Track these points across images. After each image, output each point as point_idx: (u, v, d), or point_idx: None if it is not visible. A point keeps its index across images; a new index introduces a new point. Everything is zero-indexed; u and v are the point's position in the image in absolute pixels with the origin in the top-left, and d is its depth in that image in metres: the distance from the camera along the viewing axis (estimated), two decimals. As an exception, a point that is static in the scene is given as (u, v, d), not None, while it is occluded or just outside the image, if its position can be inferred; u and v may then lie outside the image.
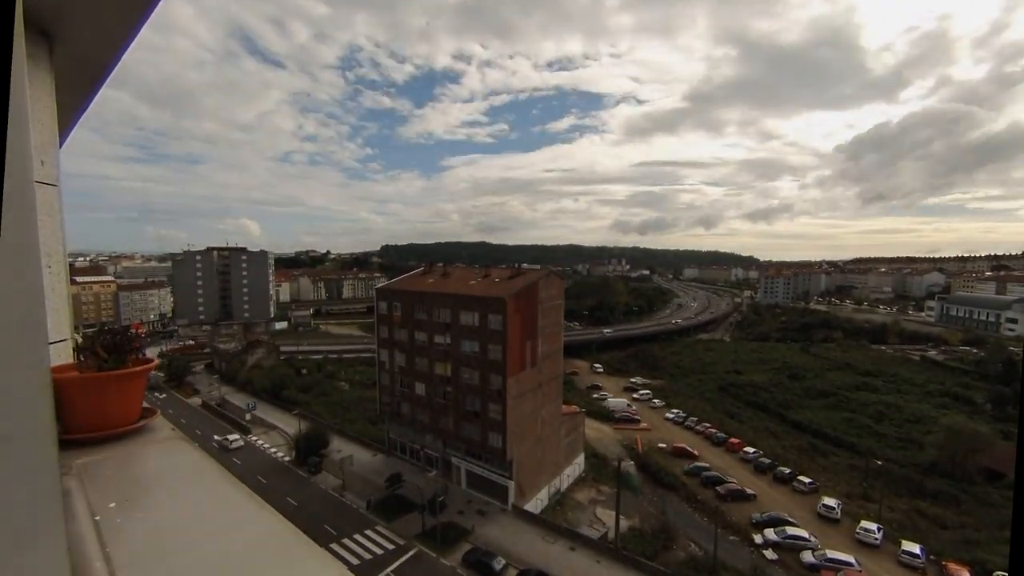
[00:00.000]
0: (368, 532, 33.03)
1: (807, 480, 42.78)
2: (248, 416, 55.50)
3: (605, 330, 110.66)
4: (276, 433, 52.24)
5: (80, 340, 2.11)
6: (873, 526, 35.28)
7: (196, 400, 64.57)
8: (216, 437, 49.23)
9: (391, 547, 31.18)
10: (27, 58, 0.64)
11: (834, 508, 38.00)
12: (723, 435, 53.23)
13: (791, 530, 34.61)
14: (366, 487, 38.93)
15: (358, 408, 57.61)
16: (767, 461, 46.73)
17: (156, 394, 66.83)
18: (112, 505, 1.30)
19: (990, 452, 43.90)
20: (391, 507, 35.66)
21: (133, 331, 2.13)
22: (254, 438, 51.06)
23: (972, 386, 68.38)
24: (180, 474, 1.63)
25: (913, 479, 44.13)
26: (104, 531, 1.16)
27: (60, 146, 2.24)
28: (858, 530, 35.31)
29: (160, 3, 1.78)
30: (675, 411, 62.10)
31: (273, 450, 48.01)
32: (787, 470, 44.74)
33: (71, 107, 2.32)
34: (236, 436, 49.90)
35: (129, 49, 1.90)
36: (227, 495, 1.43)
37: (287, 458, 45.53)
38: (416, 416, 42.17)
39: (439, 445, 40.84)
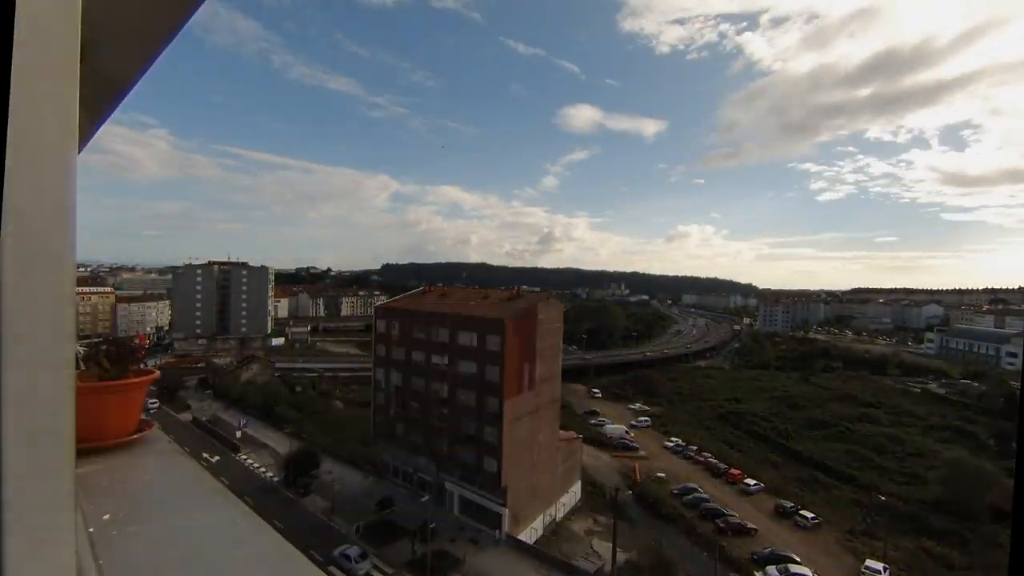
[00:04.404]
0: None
1: (810, 515, 41.62)
2: (239, 434, 54.35)
3: (602, 355, 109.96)
4: (267, 452, 51.06)
5: (81, 349, 2.10)
6: (879, 565, 34.12)
7: (187, 416, 63.35)
8: (204, 455, 48.04)
9: (379, 576, 30.05)
10: (58, 73, 0.68)
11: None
12: (723, 465, 52.17)
13: (794, 568, 33.41)
14: (356, 511, 37.80)
15: (352, 427, 56.52)
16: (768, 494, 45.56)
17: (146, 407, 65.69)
18: (107, 517, 1.27)
19: (997, 490, 42.86)
20: (381, 533, 34.55)
21: (137, 342, 2.12)
22: (243, 457, 49.88)
23: (974, 420, 67.42)
24: (176, 488, 1.60)
25: (918, 516, 42.94)
26: (98, 543, 1.13)
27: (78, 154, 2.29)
28: (863, 569, 34.15)
29: (187, 24, 1.87)
30: (674, 439, 60.99)
31: (263, 470, 46.85)
32: (789, 504, 43.64)
33: (92, 120, 2.39)
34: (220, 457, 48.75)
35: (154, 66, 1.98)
36: (223, 510, 1.40)
37: (276, 478, 44.42)
38: (410, 438, 41.36)
39: (432, 469, 39.90)
